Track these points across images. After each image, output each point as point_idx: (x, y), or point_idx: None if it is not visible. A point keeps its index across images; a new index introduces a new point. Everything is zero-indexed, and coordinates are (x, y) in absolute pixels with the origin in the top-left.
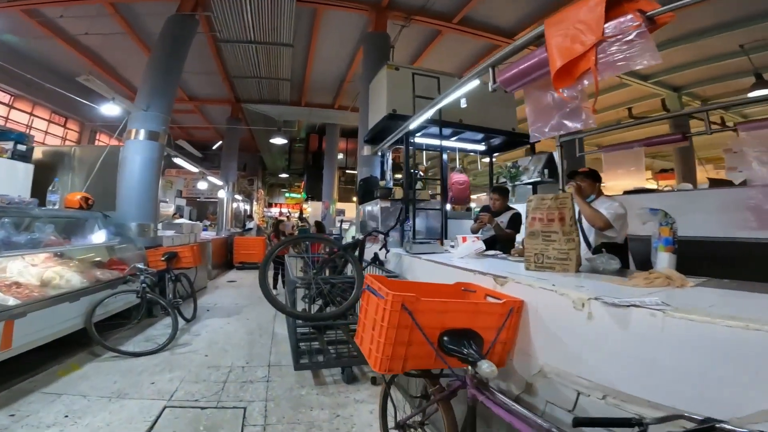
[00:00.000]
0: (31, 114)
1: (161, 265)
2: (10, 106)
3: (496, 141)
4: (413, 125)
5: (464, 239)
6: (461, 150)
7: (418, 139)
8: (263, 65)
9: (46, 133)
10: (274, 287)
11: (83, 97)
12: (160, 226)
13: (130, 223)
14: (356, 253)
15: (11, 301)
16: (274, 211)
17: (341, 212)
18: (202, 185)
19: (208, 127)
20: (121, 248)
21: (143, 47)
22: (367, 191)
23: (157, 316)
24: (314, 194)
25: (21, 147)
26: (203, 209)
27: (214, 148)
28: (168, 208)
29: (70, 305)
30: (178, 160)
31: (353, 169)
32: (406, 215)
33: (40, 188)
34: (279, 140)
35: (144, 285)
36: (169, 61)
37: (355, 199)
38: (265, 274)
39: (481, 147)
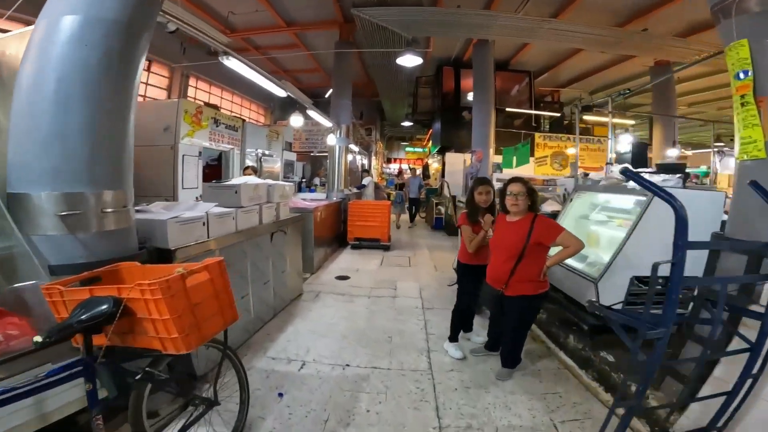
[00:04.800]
0: None
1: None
2: None
3: None
4: None
5: None
6: None
7: None
8: None
9: None
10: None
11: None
12: (196, 196)
13: (36, 194)
14: None
15: None
16: (393, 167)
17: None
18: (296, 121)
19: (317, 68)
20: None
21: None
22: None
23: None
24: (452, 144)
25: None
26: (317, 165)
27: (326, 96)
28: (274, 164)
29: None
30: (241, 68)
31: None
32: None
33: None
34: (410, 60)
35: None
36: None
37: (545, 138)
38: None
39: None
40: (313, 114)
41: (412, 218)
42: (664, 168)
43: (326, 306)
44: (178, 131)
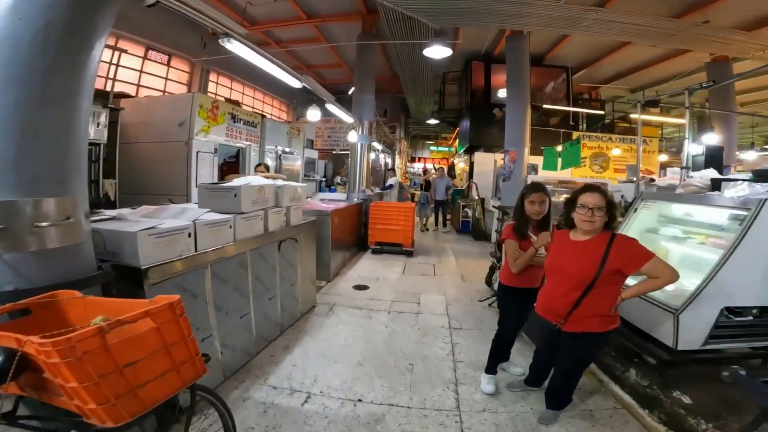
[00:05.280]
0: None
1: None
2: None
3: None
4: None
5: None
6: None
7: None
8: None
9: (141, 72)
10: None
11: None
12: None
13: None
14: None
15: None
16: (417, 166)
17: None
18: (313, 115)
19: (340, 63)
20: None
21: None
22: None
23: None
24: (481, 143)
25: None
26: (339, 163)
27: (349, 93)
28: (295, 162)
29: None
30: (245, 53)
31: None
32: None
33: None
34: (438, 51)
35: None
36: None
37: (584, 138)
38: None
39: None
40: (333, 109)
41: (437, 222)
42: (763, 175)
43: (341, 322)
44: (192, 126)
